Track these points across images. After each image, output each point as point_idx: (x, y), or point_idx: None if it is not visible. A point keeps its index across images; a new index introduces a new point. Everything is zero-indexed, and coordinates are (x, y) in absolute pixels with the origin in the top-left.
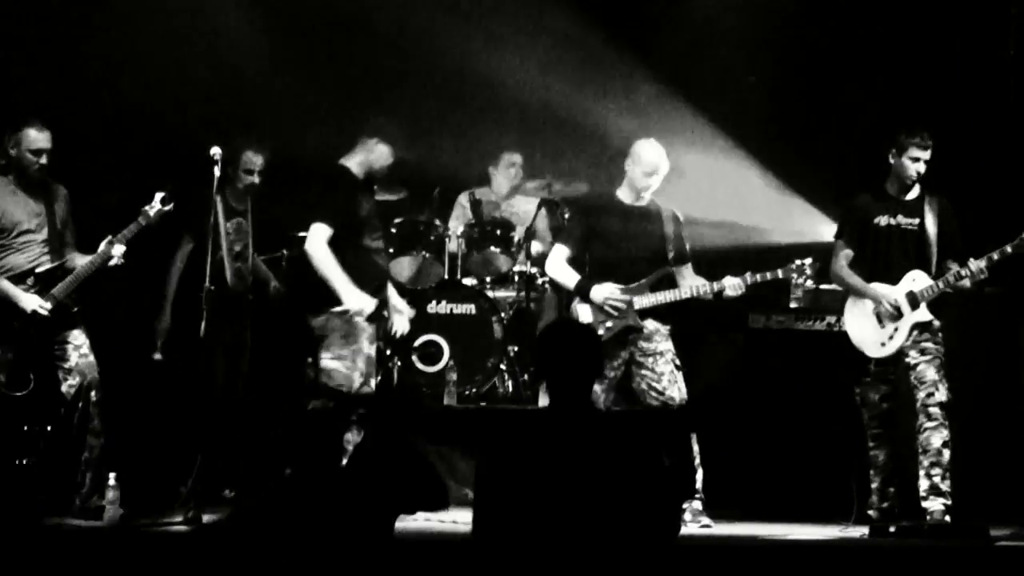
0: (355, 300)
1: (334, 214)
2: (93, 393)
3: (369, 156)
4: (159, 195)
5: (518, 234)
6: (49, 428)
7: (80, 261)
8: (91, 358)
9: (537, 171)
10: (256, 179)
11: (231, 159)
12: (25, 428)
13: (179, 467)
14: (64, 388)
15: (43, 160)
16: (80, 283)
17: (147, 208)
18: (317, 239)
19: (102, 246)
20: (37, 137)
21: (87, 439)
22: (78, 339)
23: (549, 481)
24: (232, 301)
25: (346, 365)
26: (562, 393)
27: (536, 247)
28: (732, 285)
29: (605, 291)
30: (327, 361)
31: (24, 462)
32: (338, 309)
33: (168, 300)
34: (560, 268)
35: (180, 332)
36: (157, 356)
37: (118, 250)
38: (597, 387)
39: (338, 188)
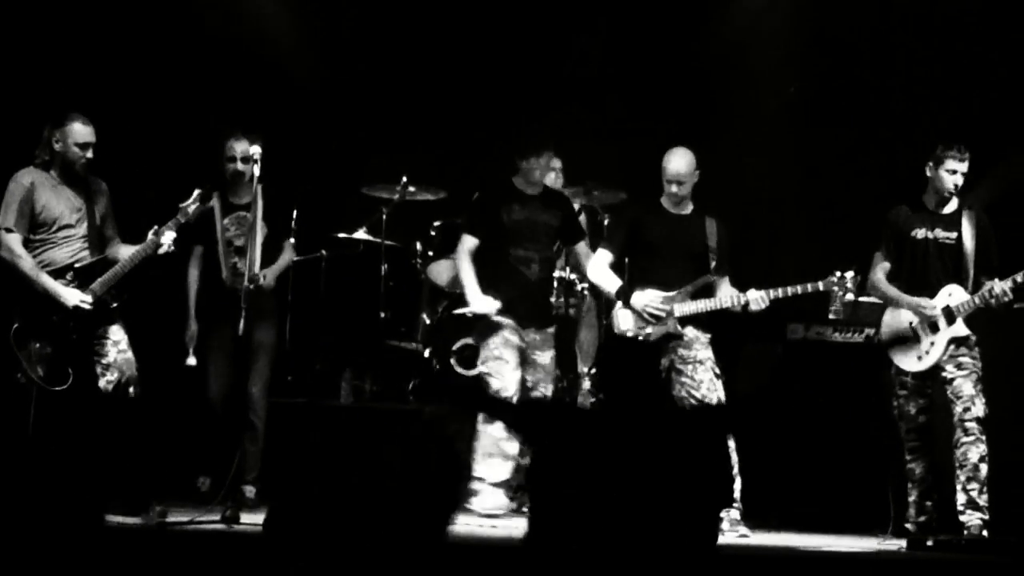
0: (480, 304)
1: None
2: (131, 389)
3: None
4: (197, 192)
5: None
6: (88, 424)
7: (124, 253)
8: (129, 354)
9: (577, 177)
10: (239, 167)
11: (222, 151)
12: (63, 423)
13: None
14: (102, 384)
15: (88, 154)
16: (121, 278)
17: (185, 204)
18: (462, 249)
19: (149, 236)
20: (83, 131)
21: (126, 435)
22: (117, 335)
23: (598, 481)
24: (229, 297)
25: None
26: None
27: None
28: (755, 298)
29: (646, 297)
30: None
31: (63, 457)
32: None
33: (190, 306)
34: (602, 273)
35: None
36: (191, 361)
37: (168, 237)
38: None
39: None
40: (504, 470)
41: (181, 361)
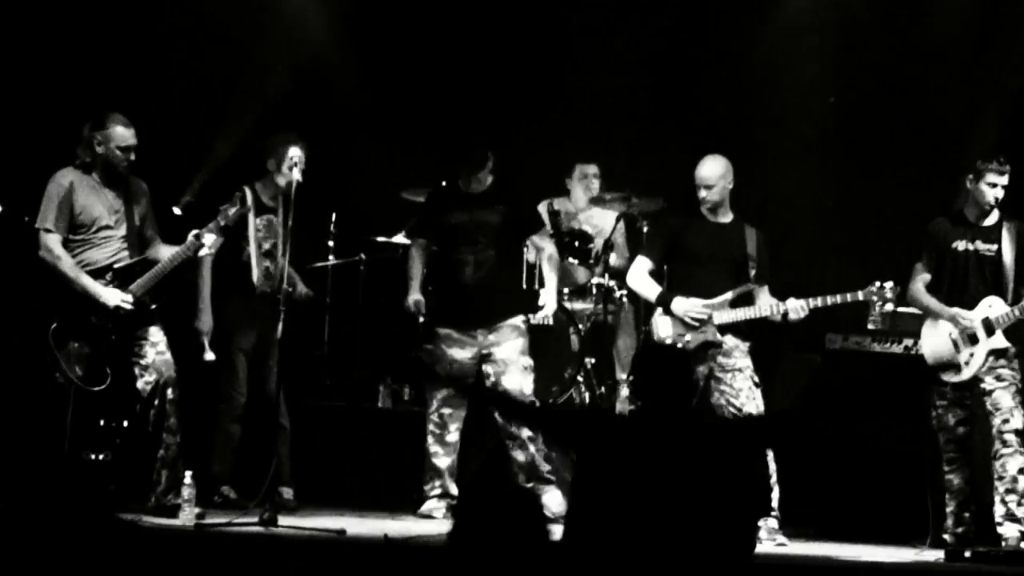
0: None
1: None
2: (170, 391)
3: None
4: (237, 195)
5: (597, 246)
6: (125, 424)
7: (164, 254)
8: (168, 356)
9: (616, 184)
10: (299, 176)
11: (270, 153)
12: (101, 423)
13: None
14: (140, 385)
15: (131, 157)
16: (160, 279)
17: (226, 207)
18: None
19: (189, 238)
20: (125, 134)
21: (163, 437)
22: (155, 336)
23: (638, 487)
24: (258, 301)
25: None
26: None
27: (614, 260)
28: (795, 307)
29: (687, 304)
30: None
31: (99, 457)
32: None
33: (204, 300)
34: (642, 280)
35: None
36: (209, 356)
37: (209, 239)
38: None
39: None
40: None
41: (197, 357)
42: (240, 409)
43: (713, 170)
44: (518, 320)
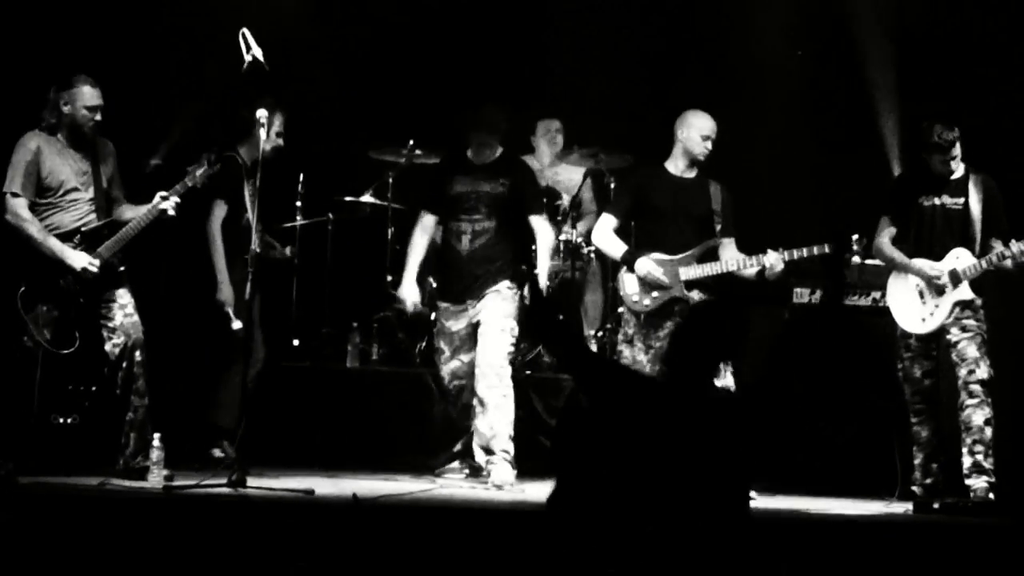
0: (404, 296)
1: None
2: (137, 353)
3: None
4: (205, 156)
5: (563, 203)
6: (94, 388)
7: (130, 215)
8: (136, 318)
9: (583, 140)
10: (280, 142)
11: (255, 121)
12: (69, 387)
13: (216, 430)
14: (108, 347)
15: (98, 117)
16: (128, 241)
17: (193, 168)
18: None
19: (156, 199)
20: (91, 93)
21: (131, 399)
22: (123, 298)
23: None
24: (256, 264)
25: None
26: (687, 369)
27: (582, 218)
28: (771, 262)
29: (647, 266)
30: None
31: (67, 420)
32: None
33: (221, 272)
34: (607, 237)
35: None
36: (236, 325)
37: (171, 202)
38: (642, 356)
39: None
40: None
41: (224, 326)
42: (259, 366)
43: (715, 124)
44: (503, 285)
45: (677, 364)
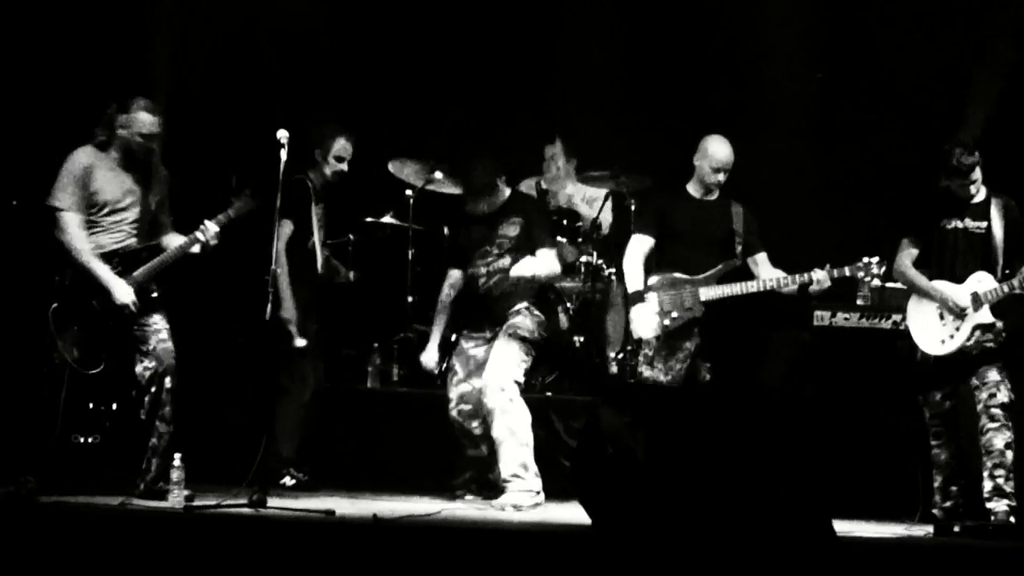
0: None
1: None
2: (168, 380)
3: None
4: (246, 191)
5: (584, 224)
6: (115, 407)
7: (172, 243)
8: (169, 344)
9: (603, 162)
10: (345, 167)
11: (320, 145)
12: (91, 406)
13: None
14: (139, 370)
15: (153, 145)
16: (165, 267)
17: (236, 200)
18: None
19: (198, 229)
20: (149, 121)
21: (156, 425)
22: (159, 323)
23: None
24: (321, 289)
25: None
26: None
27: (603, 239)
28: (819, 278)
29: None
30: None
31: (89, 440)
32: None
33: (285, 291)
34: (634, 264)
35: (248, 316)
36: (300, 343)
37: (211, 231)
38: (663, 378)
39: None
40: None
41: (286, 344)
42: (311, 391)
43: (731, 154)
44: (523, 306)
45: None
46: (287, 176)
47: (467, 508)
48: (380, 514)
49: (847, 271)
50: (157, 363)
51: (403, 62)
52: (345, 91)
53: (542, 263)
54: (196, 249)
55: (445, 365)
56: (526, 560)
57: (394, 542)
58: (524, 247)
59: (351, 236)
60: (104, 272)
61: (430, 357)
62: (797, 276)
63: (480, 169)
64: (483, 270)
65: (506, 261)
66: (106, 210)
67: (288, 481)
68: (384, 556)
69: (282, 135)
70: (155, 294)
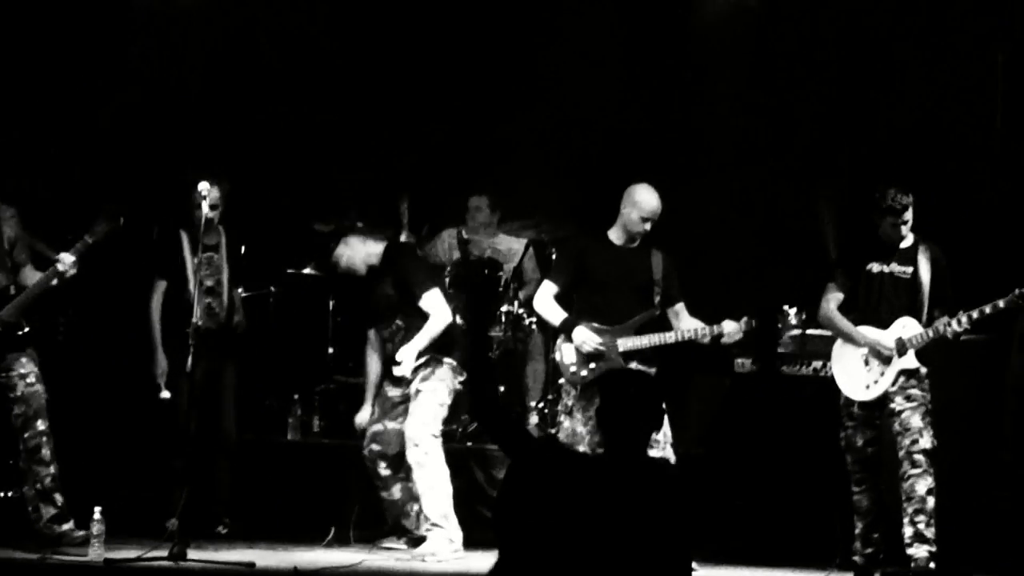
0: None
1: None
2: (39, 422)
3: None
4: (105, 214)
5: (505, 274)
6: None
7: (32, 279)
8: (38, 387)
9: (523, 211)
10: (210, 213)
11: (192, 192)
12: (11, 461)
13: (163, 502)
14: (13, 416)
15: None
16: (30, 303)
17: (95, 225)
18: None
19: (57, 263)
20: None
21: (34, 470)
22: (26, 367)
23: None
24: (203, 338)
25: None
26: (618, 441)
27: (523, 288)
28: (731, 331)
29: (585, 335)
30: None
31: (6, 494)
32: None
33: (156, 341)
34: (547, 304)
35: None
36: (165, 394)
37: (67, 261)
38: (582, 428)
39: None
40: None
41: (152, 396)
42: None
43: (659, 204)
44: (440, 361)
45: (605, 436)
46: (166, 228)
47: (388, 559)
48: (300, 566)
49: (755, 322)
50: (26, 407)
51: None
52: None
53: (426, 329)
54: (55, 282)
55: None
56: None
57: None
58: (406, 301)
59: (272, 288)
60: None
61: (364, 417)
62: (712, 328)
63: (342, 246)
64: (386, 332)
65: (400, 322)
66: None
67: (221, 529)
68: None
69: (203, 187)
70: (23, 331)
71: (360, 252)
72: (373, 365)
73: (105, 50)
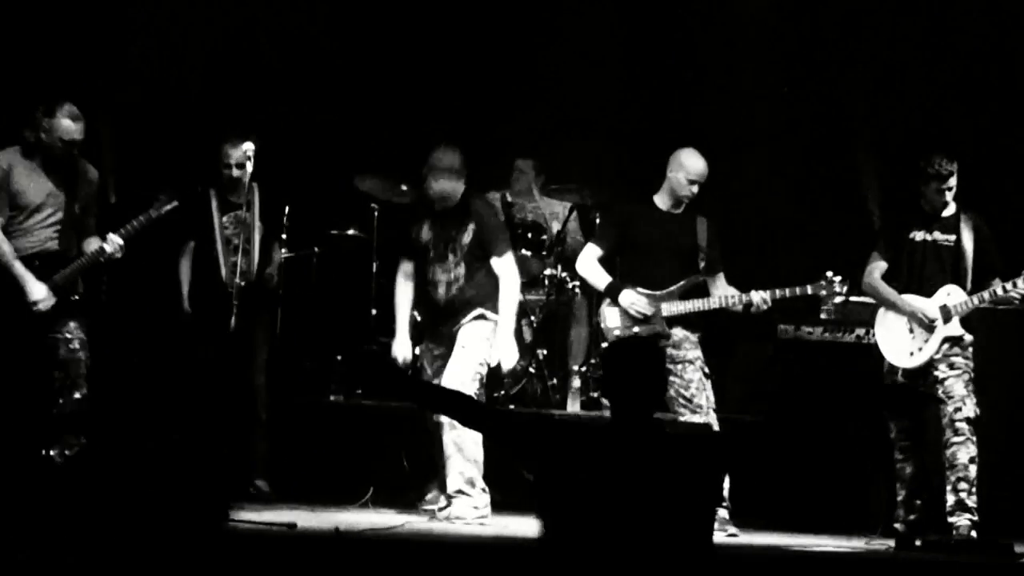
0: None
1: None
2: (76, 392)
3: None
4: (162, 196)
5: (549, 237)
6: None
7: (91, 248)
8: (80, 353)
9: (569, 174)
10: (235, 172)
11: (218, 155)
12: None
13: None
14: (53, 379)
15: (74, 151)
16: (76, 276)
17: (150, 210)
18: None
19: (105, 242)
20: (71, 128)
21: (65, 438)
22: (73, 332)
23: (606, 494)
24: (226, 295)
25: None
26: (625, 409)
27: (567, 252)
28: (760, 300)
29: (633, 297)
30: None
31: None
32: None
33: (185, 300)
34: (591, 268)
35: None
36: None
37: (115, 242)
38: None
39: None
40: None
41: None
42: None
43: (706, 167)
44: (482, 311)
45: (612, 404)
46: (202, 188)
47: (431, 521)
48: (342, 527)
49: (809, 289)
50: (64, 373)
51: (369, 78)
52: (310, 103)
53: (505, 304)
54: (101, 259)
55: (412, 374)
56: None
57: (356, 555)
58: (478, 255)
59: (316, 248)
60: (22, 271)
61: (404, 348)
62: (740, 296)
63: (450, 151)
64: (442, 277)
65: (462, 269)
66: (27, 212)
67: (258, 488)
68: (346, 569)
69: (247, 148)
70: (76, 297)
71: (458, 191)
72: (404, 295)
73: (105, 50)
